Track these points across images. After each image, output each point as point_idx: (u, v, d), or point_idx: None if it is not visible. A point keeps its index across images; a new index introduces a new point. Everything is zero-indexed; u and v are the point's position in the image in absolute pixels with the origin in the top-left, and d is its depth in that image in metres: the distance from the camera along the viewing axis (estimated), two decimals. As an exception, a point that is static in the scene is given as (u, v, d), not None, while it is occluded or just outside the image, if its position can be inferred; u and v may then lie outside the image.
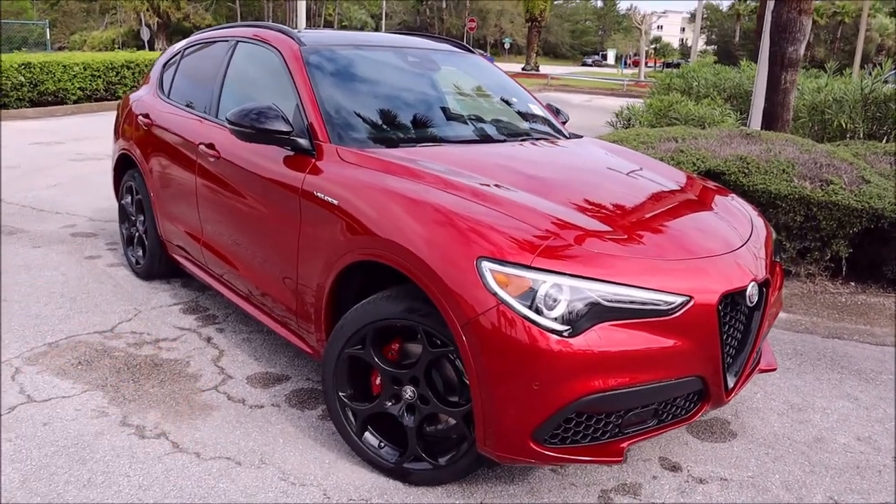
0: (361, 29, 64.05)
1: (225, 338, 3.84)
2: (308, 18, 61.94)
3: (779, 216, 4.72)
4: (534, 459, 2.24)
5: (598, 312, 2.15)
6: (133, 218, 4.64)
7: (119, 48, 38.37)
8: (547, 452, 2.22)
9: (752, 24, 50.49)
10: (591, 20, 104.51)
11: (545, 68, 45.62)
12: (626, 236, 2.42)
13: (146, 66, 15.34)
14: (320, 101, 3.08)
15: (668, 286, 2.26)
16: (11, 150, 9.43)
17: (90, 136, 10.89)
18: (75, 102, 13.75)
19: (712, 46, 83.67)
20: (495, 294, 2.13)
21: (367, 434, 2.65)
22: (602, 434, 2.29)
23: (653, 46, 75.94)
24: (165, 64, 4.59)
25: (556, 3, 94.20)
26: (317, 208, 2.77)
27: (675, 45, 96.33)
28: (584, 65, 77.54)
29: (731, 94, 9.55)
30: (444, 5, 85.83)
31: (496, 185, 2.61)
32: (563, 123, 4.07)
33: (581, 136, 3.89)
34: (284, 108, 3.08)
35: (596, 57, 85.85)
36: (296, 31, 3.57)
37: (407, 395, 2.52)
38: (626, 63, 66.74)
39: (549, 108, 4.12)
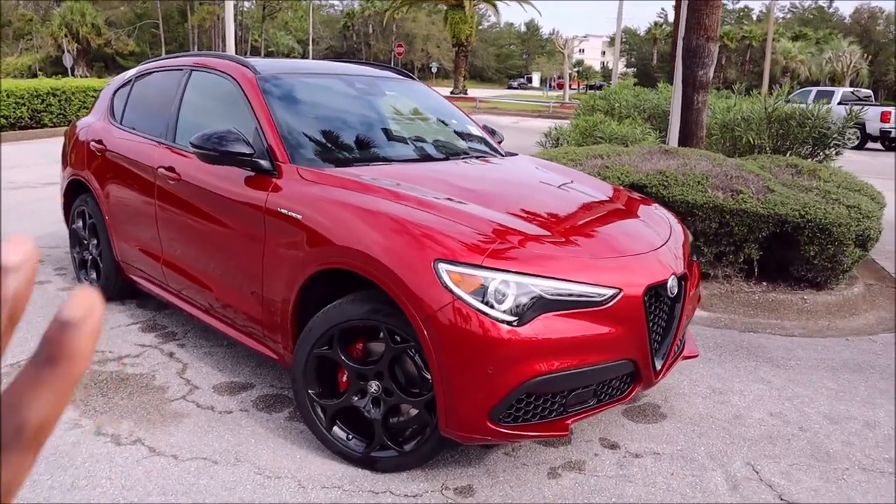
0: (288, 55, 63.87)
1: (187, 352, 3.99)
2: (236, 44, 61.47)
3: (696, 223, 5.19)
4: (491, 437, 2.52)
5: (541, 304, 2.47)
6: (86, 242, 4.73)
7: (37, 74, 37.23)
8: (502, 430, 2.51)
9: (668, 47, 52.90)
10: (515, 44, 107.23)
11: (473, 91, 46.62)
12: (562, 239, 2.76)
13: (72, 93, 15.10)
14: (278, 125, 3.32)
15: (600, 280, 2.60)
16: (-63, 180, 9.20)
17: (19, 164, 10.69)
18: (-1, 131, 13.43)
19: (632, 69, 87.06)
20: (451, 291, 2.42)
21: (335, 428, 2.88)
22: (549, 413, 2.60)
23: (576, 70, 78.49)
24: (115, 91, 4.73)
25: (481, 27, 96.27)
26: (281, 223, 3.01)
27: (597, 67, 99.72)
28: (511, 87, 79.43)
29: (650, 114, 10.20)
30: (370, 30, 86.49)
31: (443, 198, 2.91)
32: (499, 143, 4.42)
33: (516, 154, 4.24)
34: (243, 132, 3.31)
35: (522, 80, 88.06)
36: (249, 59, 3.80)
37: (372, 390, 2.77)
38: (550, 86, 68.72)
39: (486, 128, 4.47)
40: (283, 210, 3.01)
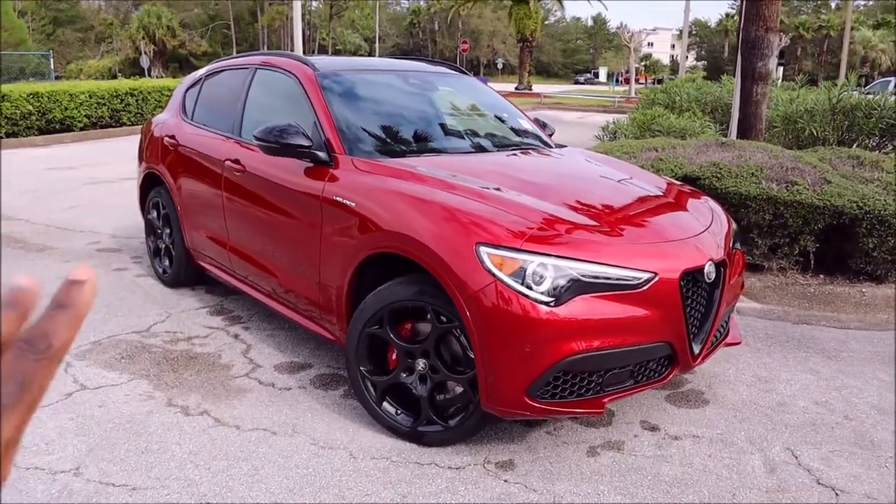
0: (355, 53, 64.91)
1: (251, 334, 4.25)
2: (303, 43, 62.90)
3: (749, 215, 5.17)
4: (529, 412, 2.66)
5: (577, 287, 2.59)
6: (160, 231, 5.06)
7: (117, 76, 39.04)
8: (540, 405, 2.64)
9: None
10: (581, 39, 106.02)
11: (538, 87, 46.40)
12: (601, 225, 2.87)
13: (149, 93, 15.85)
14: (335, 118, 3.53)
15: (636, 265, 2.70)
16: (27, 175, 9.86)
17: (100, 161, 11.33)
18: (81, 129, 14.21)
19: (702, 62, 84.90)
20: (492, 273, 2.57)
21: (385, 403, 3.07)
22: (586, 391, 2.72)
23: (643, 64, 77.05)
24: (187, 90, 5.04)
25: (546, 22, 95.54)
26: (336, 211, 3.21)
27: (666, 61, 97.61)
28: (577, 83, 78.60)
29: (712, 107, 10.06)
30: (436, 27, 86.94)
31: (488, 186, 3.06)
32: (550, 136, 4.53)
33: (565, 146, 4.34)
34: (303, 126, 3.54)
35: (588, 75, 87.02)
36: (310, 57, 4.03)
37: (419, 367, 2.94)
38: (617, 80, 67.69)
39: (537, 122, 4.59)
40: (338, 198, 3.21)
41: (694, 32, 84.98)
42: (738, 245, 3.51)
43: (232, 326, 4.37)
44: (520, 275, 2.57)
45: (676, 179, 5.42)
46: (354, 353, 3.07)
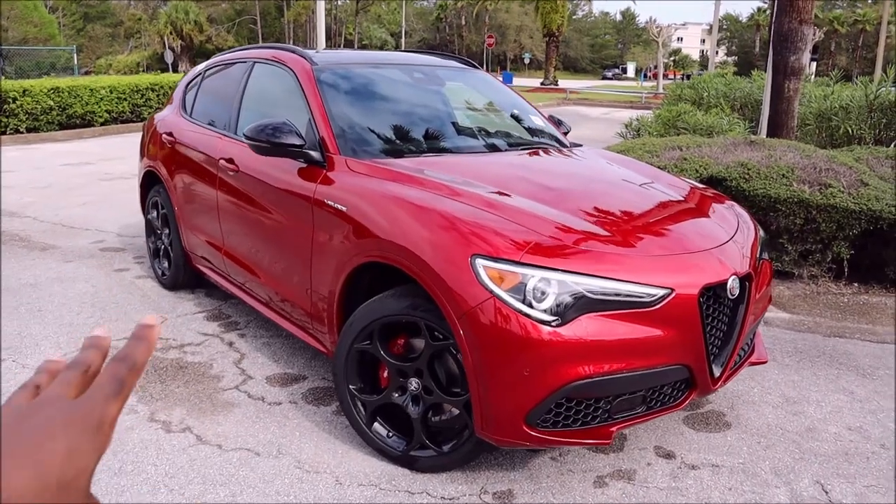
0: (381, 47, 64.82)
1: (246, 342, 4.05)
2: (328, 38, 63.00)
3: (779, 219, 4.85)
4: (528, 442, 2.41)
5: (584, 304, 2.33)
6: (159, 231, 4.89)
7: (144, 71, 39.31)
8: (540, 435, 2.39)
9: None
10: (610, 34, 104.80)
11: (564, 82, 45.85)
12: (613, 235, 2.60)
13: (170, 88, 15.79)
14: (330, 116, 3.30)
15: (650, 280, 2.43)
16: (44, 170, 9.81)
17: (117, 156, 11.26)
18: (102, 125, 14.20)
19: (733, 57, 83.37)
20: (488, 288, 2.32)
21: (376, 424, 2.84)
22: (592, 419, 2.46)
23: (671, 59, 75.90)
24: (188, 85, 4.86)
25: (574, 17, 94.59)
26: (328, 215, 2.98)
27: (696, 56, 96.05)
28: (605, 78, 77.67)
29: (742, 103, 9.67)
30: (463, 22, 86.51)
31: (492, 191, 2.80)
32: (565, 134, 4.26)
33: (580, 146, 4.07)
34: (299, 123, 3.31)
35: (616, 70, 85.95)
36: (308, 51, 3.80)
37: (412, 387, 2.70)
38: (645, 76, 66.75)
39: (552, 119, 4.32)
40: (329, 201, 2.98)
41: (725, 27, 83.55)
42: (765, 255, 3.21)
43: (227, 333, 4.17)
44: (519, 290, 2.31)
45: (701, 180, 5.13)
46: (343, 370, 2.85)
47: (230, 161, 3.79)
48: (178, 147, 4.47)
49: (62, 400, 0.48)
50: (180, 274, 4.69)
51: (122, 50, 52.11)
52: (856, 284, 5.10)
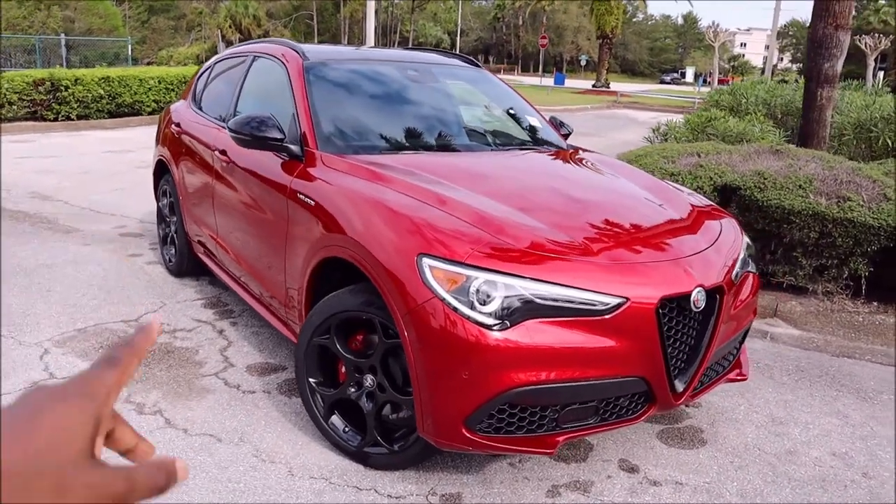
0: (437, 46, 64.99)
1: (236, 331, 4.10)
2: (384, 35, 63.47)
3: (793, 232, 4.67)
4: (469, 446, 2.37)
5: (530, 309, 2.27)
6: (168, 219, 4.99)
7: (201, 63, 40.21)
8: (480, 440, 2.34)
9: (836, 40, 48.40)
10: (670, 37, 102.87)
11: (619, 85, 45.17)
12: (574, 240, 2.53)
13: (218, 80, 16.15)
14: (313, 111, 3.31)
15: (604, 288, 2.35)
16: (87, 157, 10.13)
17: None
18: (150, 114, 14.58)
19: (798, 64, 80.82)
20: (431, 288, 2.29)
21: (333, 418, 2.83)
22: (538, 427, 2.40)
23: (731, 64, 74.01)
24: (199, 76, 4.94)
25: (635, 20, 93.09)
26: (299, 209, 2.99)
27: (759, 62, 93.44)
28: (662, 82, 76.29)
29: (784, 111, 9.35)
30: (520, 22, 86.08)
31: (458, 191, 2.76)
32: (566, 136, 4.18)
33: (579, 149, 3.99)
34: (288, 117, 3.34)
35: (674, 74, 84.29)
36: (304, 45, 3.82)
37: (367, 383, 2.69)
38: (705, 81, 65.22)
39: (552, 122, 4.24)
40: (300, 195, 2.99)
41: (791, 34, 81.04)
42: (750, 267, 3.09)
43: (221, 321, 4.23)
44: (463, 292, 2.27)
45: (715, 188, 4.98)
46: (303, 363, 2.85)
47: (223, 152, 3.83)
48: (183, 137, 4.55)
49: (57, 383, 0.50)
50: (184, 261, 4.78)
51: (183, 42, 53.50)
52: (874, 303, 4.88)
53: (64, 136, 12.12)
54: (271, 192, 3.27)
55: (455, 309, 2.25)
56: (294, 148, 3.19)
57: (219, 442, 2.92)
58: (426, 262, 2.33)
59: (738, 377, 3.10)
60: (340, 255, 2.68)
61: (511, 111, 4.12)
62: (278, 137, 3.17)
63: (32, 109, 12.70)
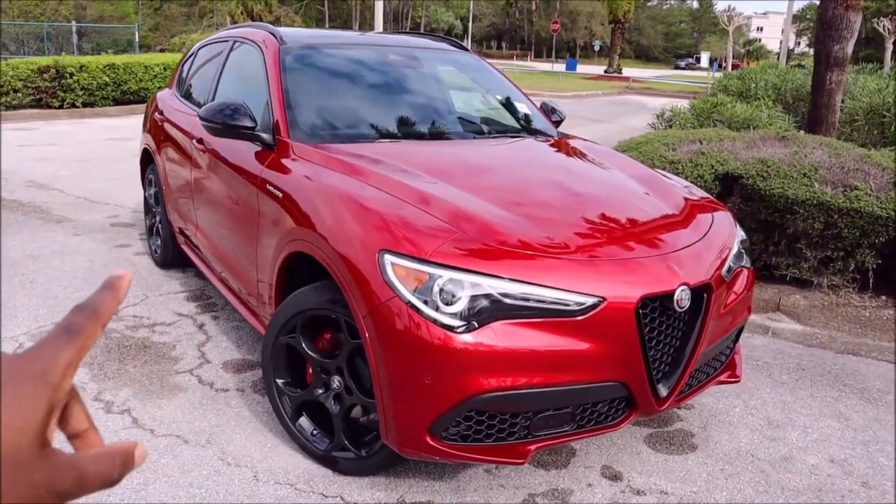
0: (448, 31, 64.47)
1: (217, 325, 3.99)
2: (396, 20, 63.03)
3: (797, 223, 4.48)
4: (434, 455, 2.23)
5: (499, 310, 2.13)
6: (154, 209, 4.88)
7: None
8: (446, 449, 2.21)
9: (856, 24, 47.43)
10: (685, 22, 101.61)
11: (632, 71, 44.63)
12: (550, 236, 2.38)
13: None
14: (287, 98, 3.16)
15: (579, 287, 2.20)
16: (88, 144, 10.06)
17: (161, 132, 11.46)
18: (156, 101, 14.54)
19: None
20: (392, 286, 2.15)
21: (302, 420, 2.71)
22: (508, 434, 2.26)
23: (746, 49, 72.96)
24: (184, 63, 4.81)
25: (649, 4, 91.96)
26: (268, 200, 2.86)
27: (776, 47, 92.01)
28: (677, 68, 75.37)
29: (794, 97, 9.08)
30: (533, 7, 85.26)
31: (429, 182, 2.61)
32: (557, 124, 4.01)
33: (570, 136, 3.82)
34: (260, 103, 3.20)
35: (689, 60, 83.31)
36: (283, 29, 3.67)
37: (335, 385, 2.56)
38: (720, 66, 64.30)
39: (543, 108, 4.06)
40: (269, 186, 2.86)
41: (808, 17, 79.65)
42: (743, 262, 2.91)
43: (202, 315, 4.12)
44: (426, 291, 2.13)
45: (716, 177, 4.80)
46: (270, 363, 2.72)
47: (200, 141, 3.70)
48: (165, 125, 4.43)
49: (6, 356, 0.45)
50: (169, 252, 4.67)
51: (196, 28, 53.36)
52: (882, 297, 4.68)
53: (67, 124, 12.06)
54: (244, 182, 3.13)
55: (417, 309, 2.11)
56: (266, 136, 3.05)
57: (185, 444, 2.81)
58: (388, 258, 2.18)
59: (731, 379, 2.94)
60: (305, 249, 2.54)
61: (499, 97, 3.95)
62: (249, 126, 3.03)
63: (37, 97, 12.65)
